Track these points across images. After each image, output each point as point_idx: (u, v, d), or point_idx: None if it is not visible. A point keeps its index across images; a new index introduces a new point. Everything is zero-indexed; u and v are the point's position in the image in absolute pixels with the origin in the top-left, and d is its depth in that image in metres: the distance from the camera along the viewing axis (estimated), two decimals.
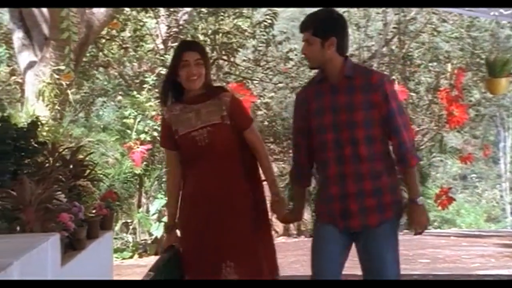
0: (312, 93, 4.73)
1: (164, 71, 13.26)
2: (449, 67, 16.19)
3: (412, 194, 4.59)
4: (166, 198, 5.29)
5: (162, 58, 14.04)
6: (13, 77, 15.08)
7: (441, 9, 12.63)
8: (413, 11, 16.70)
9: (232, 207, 4.93)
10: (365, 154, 4.52)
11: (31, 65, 11.93)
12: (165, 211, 11.55)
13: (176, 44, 14.98)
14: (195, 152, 4.99)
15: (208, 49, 15.28)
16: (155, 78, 12.92)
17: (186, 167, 5.07)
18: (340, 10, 16.82)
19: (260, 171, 5.19)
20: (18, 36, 12.17)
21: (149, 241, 11.72)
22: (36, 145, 7.57)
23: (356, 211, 4.55)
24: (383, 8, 16.56)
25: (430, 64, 17.43)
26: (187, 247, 5.04)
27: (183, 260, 5.01)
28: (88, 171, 6.38)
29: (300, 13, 25.66)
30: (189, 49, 5.12)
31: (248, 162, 5.08)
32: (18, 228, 6.82)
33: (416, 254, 10.91)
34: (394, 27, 17.24)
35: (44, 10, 11.72)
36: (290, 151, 14.50)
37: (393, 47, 17.61)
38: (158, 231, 11.45)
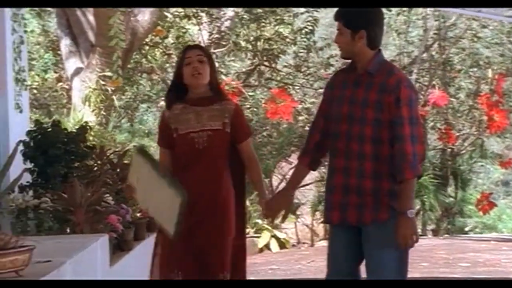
0: (340, 80, 4.71)
1: None
2: (489, 72, 16.19)
3: (401, 206, 4.43)
4: None
5: None
6: (60, 84, 15.39)
7: (481, 15, 12.68)
8: (453, 17, 16.74)
9: (218, 213, 4.96)
10: (369, 153, 4.48)
11: (77, 71, 12.22)
12: None
13: (218, 50, 15.23)
14: (190, 154, 4.99)
15: (249, 55, 15.47)
16: None
17: (177, 168, 5.05)
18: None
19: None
20: (65, 43, 12.47)
21: None
22: (85, 149, 7.82)
23: (353, 205, 4.52)
24: (423, 14, 16.62)
25: (470, 70, 17.43)
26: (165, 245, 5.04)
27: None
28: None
29: None
30: (191, 47, 5.25)
31: (240, 173, 5.12)
32: (68, 229, 7.06)
33: (456, 258, 10.98)
34: (434, 33, 17.27)
35: (91, 17, 11.99)
36: None
37: (434, 53, 17.64)
38: None
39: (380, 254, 4.47)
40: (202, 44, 15.19)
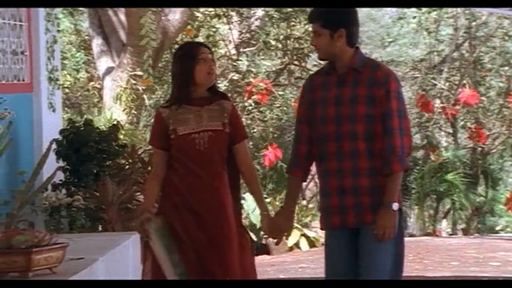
0: (319, 82, 4.56)
1: (236, 76, 13.53)
2: None
3: (386, 198, 4.35)
4: (144, 195, 5.07)
5: (234, 63, 14.28)
6: (92, 83, 15.51)
7: None
8: (484, 15, 16.67)
9: (220, 215, 4.75)
10: (363, 150, 4.38)
11: (109, 70, 12.33)
12: None
13: (248, 49, 15.29)
14: (191, 155, 4.77)
15: (279, 54, 15.50)
16: (227, 84, 13.16)
17: (176, 168, 4.81)
18: (410, 14, 16.84)
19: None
20: (97, 43, 12.59)
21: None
22: (117, 148, 7.90)
23: (351, 207, 4.41)
24: (454, 13, 16.55)
25: (501, 69, 17.33)
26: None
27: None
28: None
29: (367, 18, 25.73)
30: (204, 46, 4.99)
31: (235, 176, 4.90)
32: (100, 227, 7.14)
33: (487, 257, 10.93)
34: (465, 32, 17.19)
35: (122, 17, 12.09)
36: None
37: (464, 52, 17.56)
38: None
39: (376, 248, 4.36)
40: (232, 43, 15.29)
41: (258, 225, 10.65)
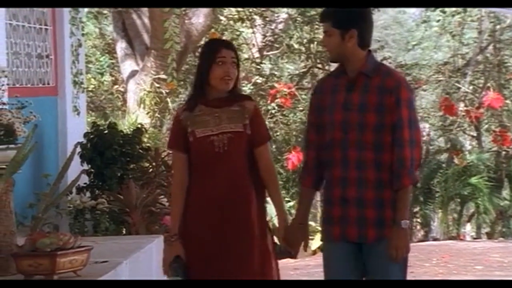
0: (329, 86, 4.37)
1: (260, 79, 13.54)
2: None
3: (397, 216, 4.14)
4: (171, 205, 4.72)
5: (258, 67, 14.30)
6: (116, 86, 15.59)
7: None
8: (509, 18, 16.58)
9: (243, 219, 4.54)
10: (371, 160, 4.17)
11: (133, 74, 12.38)
12: None
13: (271, 52, 15.30)
14: (210, 158, 4.54)
15: (303, 57, 15.50)
16: (252, 87, 13.18)
17: (195, 173, 4.58)
18: (434, 17, 16.76)
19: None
20: (121, 46, 12.65)
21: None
22: (140, 151, 7.93)
23: (354, 219, 4.20)
24: (478, 16, 16.48)
25: None
26: (193, 259, 4.52)
27: (189, 272, 4.50)
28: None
29: (392, 21, 25.66)
30: (226, 46, 4.62)
31: (257, 179, 4.63)
32: (124, 230, 7.17)
33: (511, 261, 10.88)
34: (489, 35, 17.11)
35: (146, 21, 12.14)
36: None
37: (488, 55, 17.47)
38: None
39: (387, 267, 4.16)
40: (255, 47, 15.30)
41: None
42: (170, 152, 8.09)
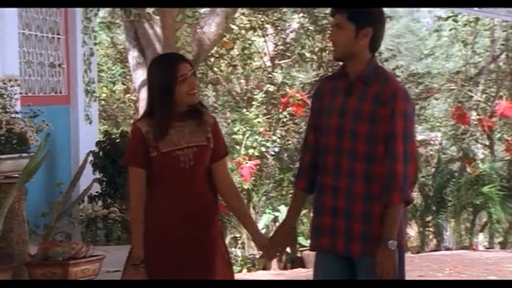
0: (328, 89, 4.13)
1: (272, 88, 13.54)
2: None
3: (384, 235, 3.90)
4: (133, 228, 4.37)
5: (269, 75, 14.30)
6: (128, 95, 15.62)
7: None
8: None
9: (206, 238, 4.37)
10: (360, 172, 3.94)
11: (144, 83, 12.34)
12: (274, 225, 11.80)
13: (283, 61, 15.30)
14: (174, 174, 4.33)
15: (314, 66, 15.50)
16: (263, 95, 13.18)
17: (156, 189, 4.33)
18: (446, 26, 16.73)
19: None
20: (133, 55, 12.67)
21: (257, 256, 11.94)
22: None
23: (342, 231, 3.99)
24: (490, 25, 16.46)
25: None
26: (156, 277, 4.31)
27: None
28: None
29: (405, 29, 25.65)
30: (182, 60, 4.44)
31: (213, 193, 4.46)
32: None
33: None
34: (501, 44, 17.07)
35: (158, 30, 12.14)
36: None
37: (501, 64, 17.43)
38: None
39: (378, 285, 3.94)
40: (267, 56, 15.31)
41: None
42: None
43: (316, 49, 15.07)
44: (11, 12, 6.84)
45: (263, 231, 11.95)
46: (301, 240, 11.12)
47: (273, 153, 12.76)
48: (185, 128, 4.36)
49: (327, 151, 4.04)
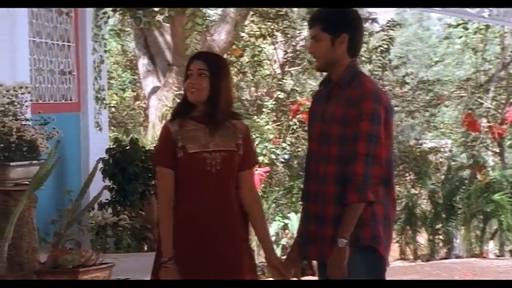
0: (317, 96, 4.22)
1: (282, 95, 13.54)
2: None
3: (337, 232, 3.87)
4: (161, 227, 4.30)
5: (279, 82, 14.31)
6: (137, 102, 15.65)
7: None
8: None
9: (230, 244, 4.30)
10: (332, 174, 3.93)
11: (154, 90, 12.43)
12: (284, 233, 11.79)
13: (293, 68, 15.29)
14: (200, 176, 4.24)
15: (324, 73, 15.47)
16: (273, 102, 13.19)
17: (180, 191, 4.26)
18: (456, 34, 16.70)
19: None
20: (143, 63, 12.72)
21: (266, 264, 11.93)
22: None
23: (315, 237, 4.00)
24: (501, 32, 16.43)
25: None
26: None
27: None
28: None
29: (414, 37, 25.62)
30: (195, 58, 4.40)
31: (242, 208, 4.38)
32: (146, 247, 7.16)
33: None
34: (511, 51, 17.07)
35: (168, 37, 12.19)
36: (406, 174, 14.54)
37: (511, 71, 17.40)
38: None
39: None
40: (277, 63, 15.30)
41: None
42: None
43: None
44: (22, 20, 6.87)
45: (272, 239, 11.96)
46: None
47: (283, 160, 12.75)
48: (215, 132, 4.28)
49: (310, 157, 4.08)
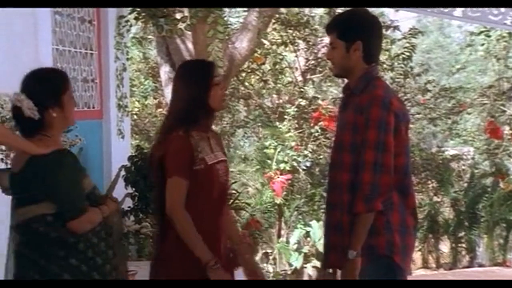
0: (340, 103, 4.30)
1: (303, 102, 13.53)
2: None
3: (350, 244, 3.87)
4: (190, 235, 4.05)
5: (301, 90, 14.31)
6: (159, 109, 15.68)
7: None
8: None
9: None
10: (346, 182, 3.94)
11: None
12: (305, 241, 11.76)
13: (314, 76, 15.28)
14: (213, 188, 4.09)
15: (346, 81, 15.47)
16: (295, 109, 13.19)
17: (200, 204, 4.07)
18: (479, 41, 16.66)
19: None
20: (164, 70, 12.72)
21: (288, 272, 11.91)
22: None
23: (335, 245, 4.01)
24: None
25: None
26: None
27: None
28: (231, 200, 6.45)
29: (435, 45, 25.51)
30: (214, 66, 4.31)
31: None
32: None
33: None
34: None
35: (190, 45, 12.20)
36: (429, 182, 14.48)
37: None
38: (297, 261, 11.61)
39: None
40: (298, 70, 15.31)
41: None
42: None
43: None
44: (45, 29, 6.91)
45: (294, 247, 11.92)
46: None
47: (304, 167, 12.73)
48: (212, 140, 4.17)
49: (330, 166, 4.15)
